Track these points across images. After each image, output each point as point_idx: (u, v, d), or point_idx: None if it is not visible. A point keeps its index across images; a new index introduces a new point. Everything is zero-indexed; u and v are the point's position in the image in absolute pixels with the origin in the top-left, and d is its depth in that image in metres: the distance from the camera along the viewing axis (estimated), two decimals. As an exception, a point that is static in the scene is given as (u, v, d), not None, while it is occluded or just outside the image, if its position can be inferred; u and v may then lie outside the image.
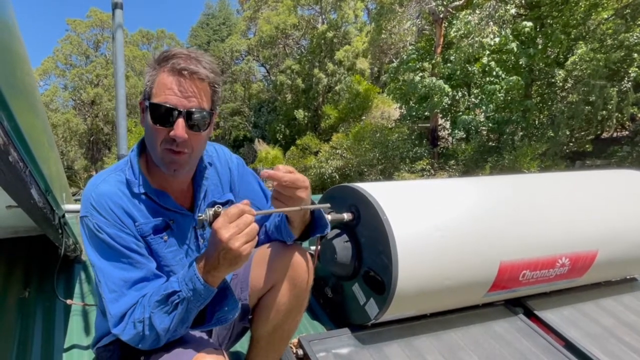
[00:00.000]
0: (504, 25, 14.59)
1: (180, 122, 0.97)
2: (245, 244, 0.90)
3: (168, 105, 0.97)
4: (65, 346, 1.62)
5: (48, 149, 1.45)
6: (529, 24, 13.94)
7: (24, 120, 0.85)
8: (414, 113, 17.66)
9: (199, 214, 0.95)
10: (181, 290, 0.95)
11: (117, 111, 2.72)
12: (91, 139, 31.47)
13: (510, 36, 14.22)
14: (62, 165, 2.17)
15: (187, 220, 1.15)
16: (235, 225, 0.90)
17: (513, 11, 14.37)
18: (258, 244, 1.41)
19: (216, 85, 1.04)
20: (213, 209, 0.94)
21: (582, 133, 14.49)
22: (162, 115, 0.97)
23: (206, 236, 1.18)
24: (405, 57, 18.13)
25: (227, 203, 1.24)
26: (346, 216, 1.71)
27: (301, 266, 1.22)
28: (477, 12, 14.60)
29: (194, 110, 0.98)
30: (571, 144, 14.39)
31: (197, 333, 1.13)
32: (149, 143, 1.05)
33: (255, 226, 0.93)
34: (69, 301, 1.71)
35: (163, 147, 1.01)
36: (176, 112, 0.97)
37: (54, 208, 1.39)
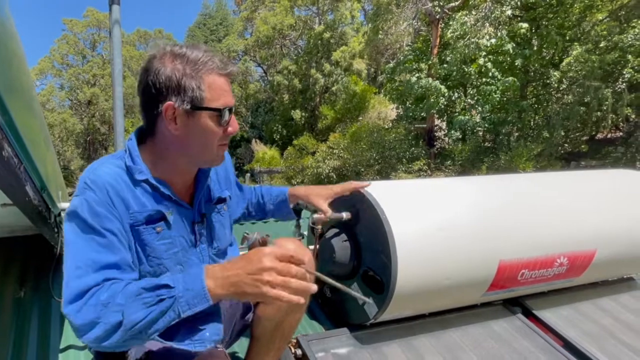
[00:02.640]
0: (500, 27, 14.64)
1: (234, 117, 1.05)
2: (277, 287, 0.86)
3: (231, 107, 1.02)
4: (61, 346, 1.60)
5: (44, 147, 1.44)
6: (525, 25, 14.02)
7: (19, 116, 0.84)
8: (410, 113, 17.69)
9: (246, 232, 0.94)
10: (175, 287, 0.87)
11: (115, 109, 2.71)
12: (88, 139, 31.30)
13: (506, 37, 14.28)
14: (58, 164, 2.15)
15: (186, 214, 1.12)
16: (283, 265, 0.87)
17: (509, 12, 14.42)
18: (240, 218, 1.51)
19: None
20: (263, 236, 0.92)
21: (577, 134, 14.59)
22: (226, 116, 1.02)
23: (203, 232, 1.16)
24: (401, 57, 18.17)
25: (226, 200, 1.24)
26: (345, 215, 1.70)
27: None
28: (473, 13, 14.66)
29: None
30: (566, 144, 14.48)
31: (197, 332, 1.12)
32: (200, 146, 1.03)
33: (301, 285, 0.87)
34: (64, 301, 1.69)
35: (218, 145, 1.05)
36: (232, 110, 1.04)
37: (50, 206, 1.38)
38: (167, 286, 0.87)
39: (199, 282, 0.87)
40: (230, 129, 1.04)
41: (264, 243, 0.90)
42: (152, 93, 0.99)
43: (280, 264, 0.87)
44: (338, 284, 1.05)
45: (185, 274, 0.91)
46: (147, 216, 1.04)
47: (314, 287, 0.90)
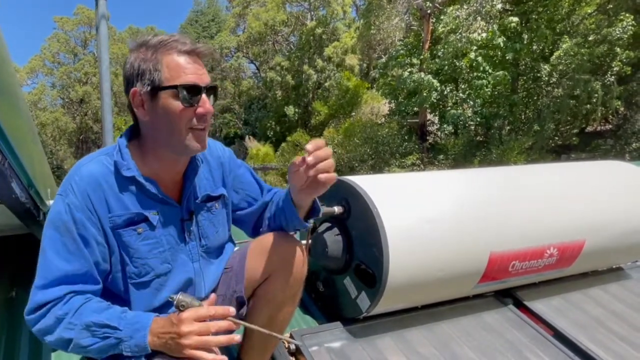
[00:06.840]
0: (491, 21, 14.70)
1: (205, 98, 1.00)
2: (193, 348, 0.91)
3: (194, 84, 0.98)
4: (54, 346, 1.60)
5: (31, 145, 1.42)
6: (515, 19, 14.08)
7: (2, 114, 0.83)
8: (403, 108, 17.72)
9: (170, 296, 0.94)
10: (123, 330, 0.93)
11: (103, 105, 2.69)
12: (81, 137, 30.92)
13: (497, 31, 14.33)
14: (47, 161, 2.13)
15: (174, 211, 1.11)
16: (201, 326, 0.91)
17: (499, 6, 14.48)
18: (255, 228, 1.40)
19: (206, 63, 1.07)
20: (186, 300, 0.92)
21: (568, 127, 14.73)
22: (189, 96, 0.97)
23: (193, 230, 1.15)
24: (394, 52, 18.17)
25: (220, 197, 1.22)
26: (337, 209, 1.71)
27: (296, 257, 1.22)
28: (465, 7, 14.68)
29: (210, 84, 1.02)
30: (557, 137, 14.61)
31: None
32: (168, 130, 1.00)
33: (219, 341, 0.93)
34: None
35: (188, 128, 1.00)
36: (199, 90, 0.99)
37: (38, 204, 1.36)
38: (114, 327, 0.93)
39: (143, 334, 0.93)
40: (200, 109, 0.99)
41: (183, 307, 0.92)
42: (125, 85, 1.02)
43: (197, 325, 0.91)
44: (254, 327, 1.06)
45: (135, 318, 0.96)
46: (126, 219, 1.03)
47: (237, 338, 0.94)
